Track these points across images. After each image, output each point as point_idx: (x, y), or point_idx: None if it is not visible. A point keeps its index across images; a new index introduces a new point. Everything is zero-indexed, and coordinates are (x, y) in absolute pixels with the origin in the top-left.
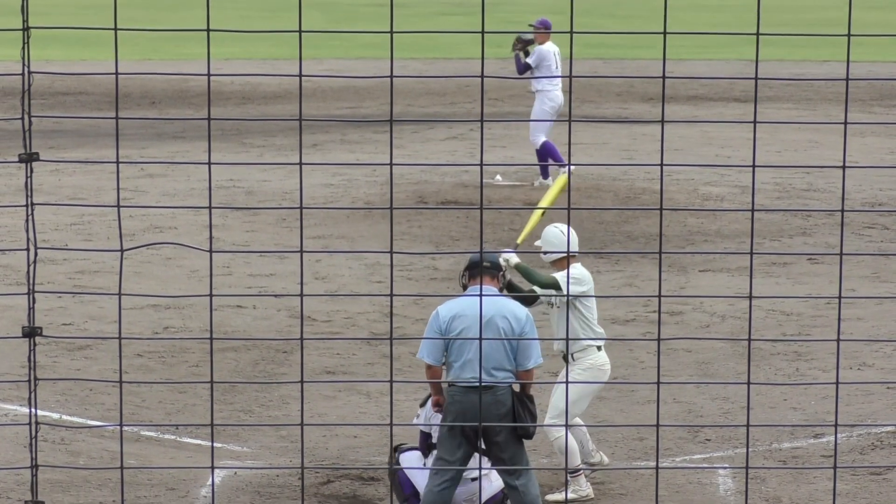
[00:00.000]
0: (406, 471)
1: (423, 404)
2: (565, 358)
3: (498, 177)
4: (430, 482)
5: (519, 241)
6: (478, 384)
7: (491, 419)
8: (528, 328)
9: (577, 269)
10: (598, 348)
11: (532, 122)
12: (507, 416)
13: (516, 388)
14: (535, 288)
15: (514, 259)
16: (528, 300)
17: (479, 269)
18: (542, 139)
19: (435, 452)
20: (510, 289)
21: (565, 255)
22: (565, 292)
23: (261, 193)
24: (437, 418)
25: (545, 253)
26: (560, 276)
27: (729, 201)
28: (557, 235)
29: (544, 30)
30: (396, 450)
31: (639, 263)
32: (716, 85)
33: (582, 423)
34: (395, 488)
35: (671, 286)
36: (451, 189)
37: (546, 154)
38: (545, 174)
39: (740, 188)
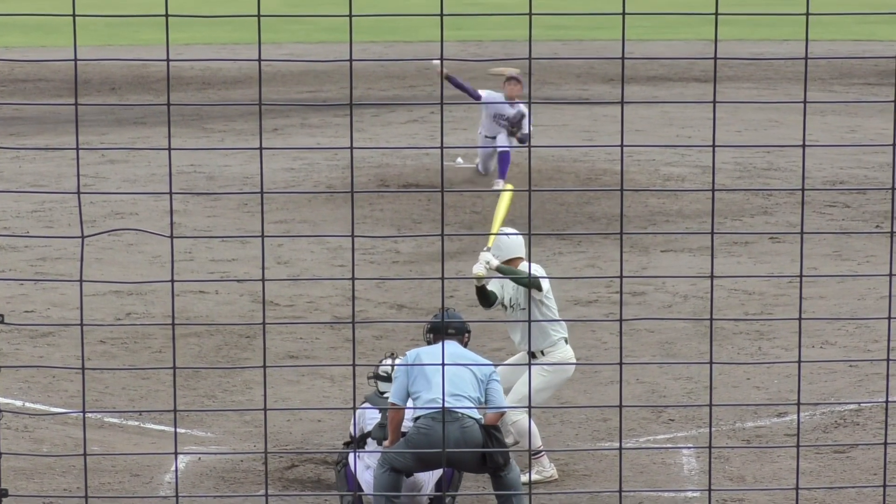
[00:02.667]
0: (353, 468)
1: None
2: (532, 354)
3: (459, 159)
4: (379, 468)
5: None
6: (446, 414)
7: (460, 453)
8: (494, 377)
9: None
10: (566, 341)
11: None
12: (474, 451)
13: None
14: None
15: (494, 261)
16: (522, 284)
17: (443, 334)
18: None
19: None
20: (485, 297)
21: (514, 257)
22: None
23: (222, 178)
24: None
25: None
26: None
27: (690, 181)
28: (503, 240)
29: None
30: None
31: (601, 244)
32: (676, 65)
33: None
34: (340, 482)
35: (633, 267)
36: (413, 172)
37: (505, 162)
38: (503, 174)
39: (701, 168)
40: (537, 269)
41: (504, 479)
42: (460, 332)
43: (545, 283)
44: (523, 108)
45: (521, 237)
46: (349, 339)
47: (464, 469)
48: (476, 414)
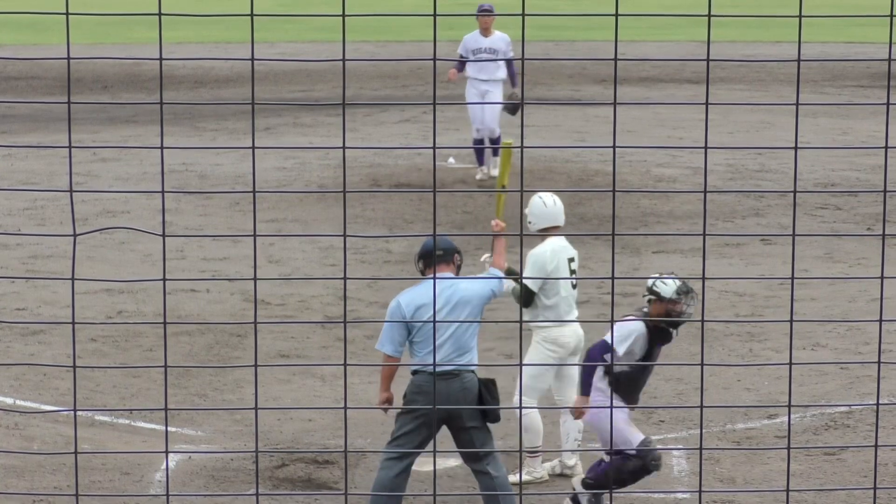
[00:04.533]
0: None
1: None
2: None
3: (451, 159)
4: (385, 471)
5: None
6: (445, 372)
7: (458, 407)
8: (497, 289)
9: (545, 245)
10: (560, 322)
11: (495, 109)
12: (473, 403)
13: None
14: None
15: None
16: (528, 297)
17: (433, 258)
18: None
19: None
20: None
21: (546, 227)
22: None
23: (214, 177)
24: None
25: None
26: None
27: (682, 182)
28: (539, 206)
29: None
30: None
31: (592, 245)
32: (668, 66)
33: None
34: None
35: (624, 268)
36: (405, 172)
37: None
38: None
39: (693, 169)
40: (543, 258)
41: (493, 479)
42: (449, 254)
43: (534, 285)
44: (501, 39)
45: (560, 204)
46: (340, 338)
47: (461, 425)
48: (476, 360)
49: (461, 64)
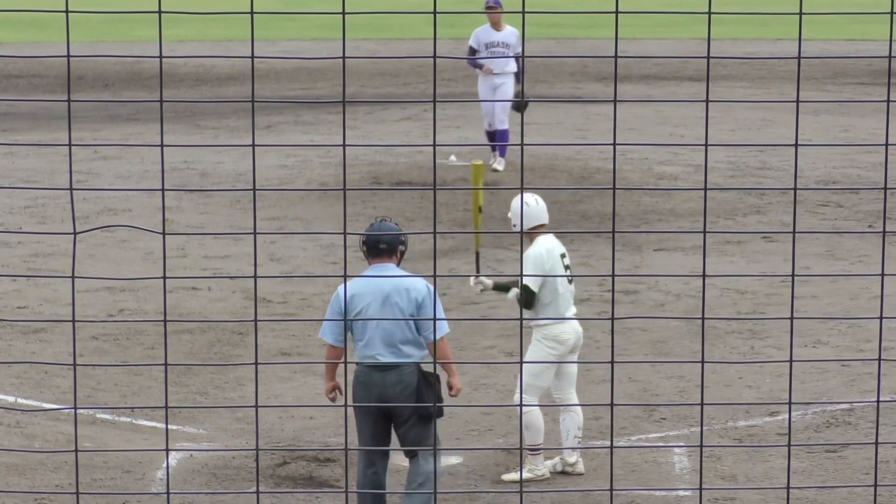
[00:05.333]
0: None
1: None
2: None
3: (452, 157)
4: (359, 472)
5: (478, 248)
6: (380, 363)
7: (396, 399)
8: (427, 300)
9: (539, 245)
10: (561, 320)
11: (503, 103)
12: (411, 396)
13: (427, 366)
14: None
15: (487, 281)
16: (529, 298)
17: (376, 250)
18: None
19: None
20: (503, 290)
21: (534, 226)
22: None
23: (215, 175)
24: None
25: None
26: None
27: (683, 180)
28: (524, 207)
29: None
30: None
31: (593, 243)
32: (670, 64)
33: (579, 409)
34: None
35: (626, 265)
36: (406, 170)
37: (504, 139)
38: (503, 152)
39: (694, 167)
40: (539, 256)
41: (420, 465)
42: (392, 247)
43: (535, 285)
44: (512, 34)
45: (542, 203)
46: None
47: (403, 418)
48: (416, 356)
49: (472, 52)
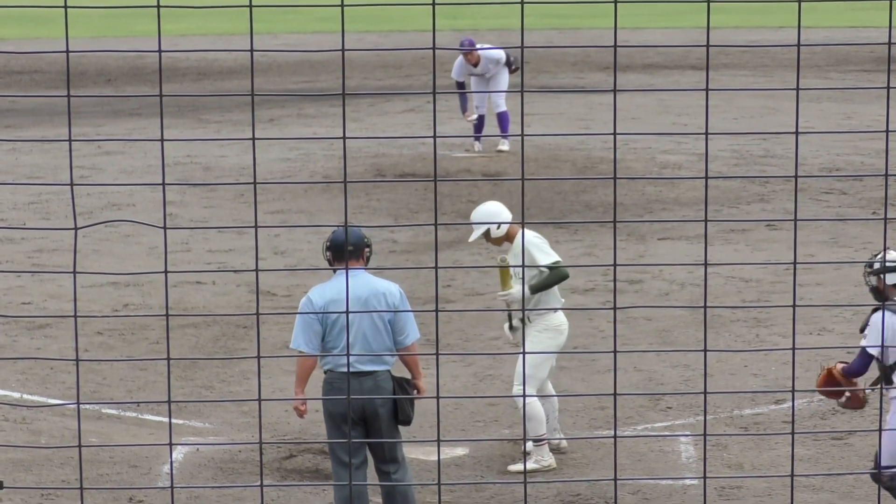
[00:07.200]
0: None
1: None
2: (522, 321)
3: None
4: (338, 486)
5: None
6: (358, 370)
7: (372, 405)
8: (401, 304)
9: (526, 233)
10: (555, 310)
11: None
12: (386, 403)
13: (398, 372)
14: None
15: (518, 295)
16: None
17: (343, 254)
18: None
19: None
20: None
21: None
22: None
23: (218, 169)
24: None
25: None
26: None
27: (686, 169)
28: (489, 208)
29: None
30: None
31: (597, 233)
32: (672, 53)
33: (555, 395)
34: None
35: (630, 255)
36: (409, 162)
37: (505, 121)
38: (505, 127)
39: (697, 156)
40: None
41: (393, 483)
42: (359, 249)
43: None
44: (489, 61)
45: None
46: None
47: (379, 424)
48: (391, 362)
49: (460, 85)
